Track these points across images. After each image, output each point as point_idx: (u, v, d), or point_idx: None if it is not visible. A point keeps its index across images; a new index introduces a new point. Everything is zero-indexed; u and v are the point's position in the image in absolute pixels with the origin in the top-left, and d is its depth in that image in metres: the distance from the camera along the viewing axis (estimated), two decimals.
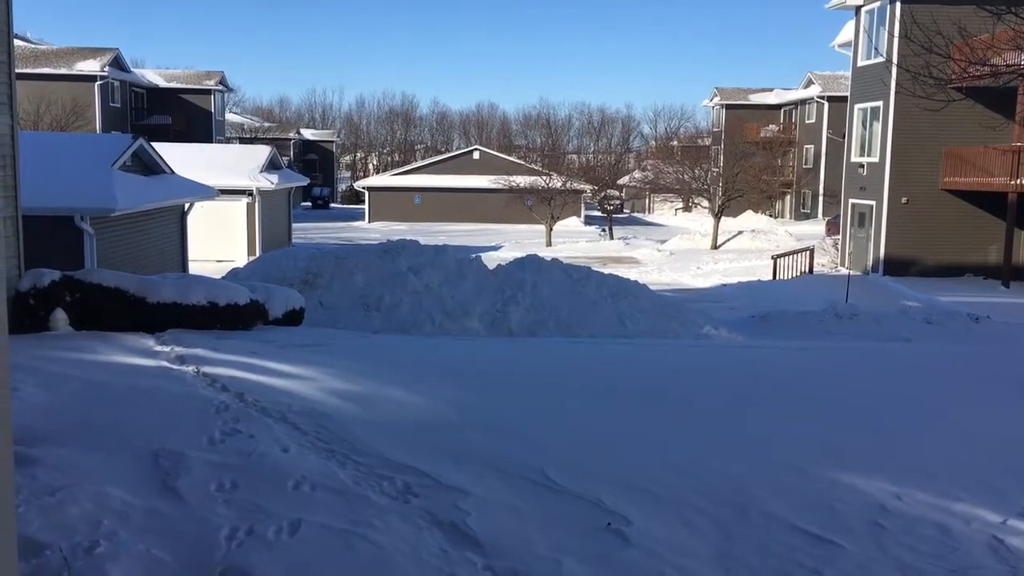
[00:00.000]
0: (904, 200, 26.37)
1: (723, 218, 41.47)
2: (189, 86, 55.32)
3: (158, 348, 8.62)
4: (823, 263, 29.86)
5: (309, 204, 65.27)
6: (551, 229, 41.84)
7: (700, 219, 51.25)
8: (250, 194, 31.45)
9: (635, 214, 66.20)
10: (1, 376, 1.99)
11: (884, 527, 4.67)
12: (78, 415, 5.98)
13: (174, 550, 3.94)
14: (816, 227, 45.27)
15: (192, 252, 20.66)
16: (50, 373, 7.09)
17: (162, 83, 55.15)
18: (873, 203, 27.48)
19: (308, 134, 78.69)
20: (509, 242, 40.76)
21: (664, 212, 63.64)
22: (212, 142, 51.62)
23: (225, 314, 10.18)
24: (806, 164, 55.58)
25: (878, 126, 27.26)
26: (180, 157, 24.37)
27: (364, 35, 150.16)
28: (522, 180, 45.04)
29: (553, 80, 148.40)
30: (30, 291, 9.42)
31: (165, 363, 7.88)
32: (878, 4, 27.08)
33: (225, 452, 5.29)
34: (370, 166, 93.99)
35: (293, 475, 4.94)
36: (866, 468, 5.56)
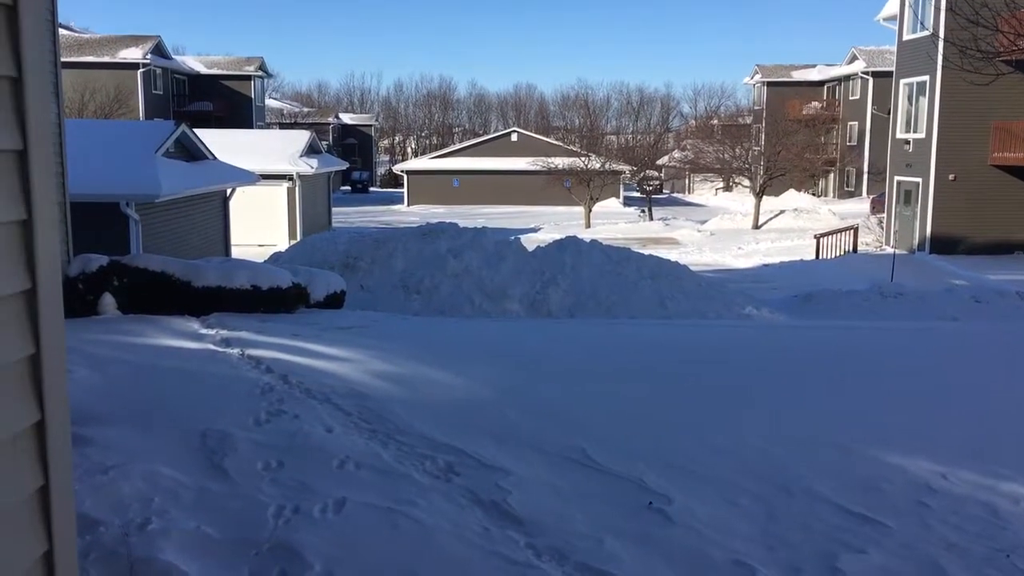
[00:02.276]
0: (951, 177, 25.84)
1: (765, 197, 40.97)
2: (229, 72, 55.85)
3: (204, 331, 8.77)
4: (868, 242, 29.40)
5: (348, 188, 65.69)
6: (590, 210, 41.70)
7: (741, 199, 50.70)
8: (290, 179, 31.74)
9: (675, 194, 65.70)
10: (58, 358, 2.05)
11: (929, 506, 4.62)
12: (128, 396, 6.12)
13: (223, 527, 4.02)
14: (860, 205, 44.56)
15: (234, 236, 20.94)
16: (100, 356, 7.25)
17: (203, 70, 55.75)
18: (919, 180, 26.98)
19: (347, 118, 79.14)
20: (548, 224, 40.71)
21: (704, 192, 63.03)
22: (252, 128, 52.15)
23: (268, 297, 10.31)
24: (850, 141, 54.66)
25: (924, 101, 26.71)
26: (221, 143, 24.67)
27: (402, 19, 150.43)
28: (560, 162, 44.89)
29: (591, 60, 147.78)
30: (79, 276, 9.63)
31: (211, 346, 8.02)
32: None
33: (271, 432, 5.38)
34: (408, 149, 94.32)
35: (337, 455, 5.01)
36: (911, 447, 5.49)
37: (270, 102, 70.05)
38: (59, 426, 2.01)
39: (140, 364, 7.22)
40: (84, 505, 4.11)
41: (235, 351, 7.76)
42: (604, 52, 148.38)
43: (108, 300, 9.68)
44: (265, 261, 14.41)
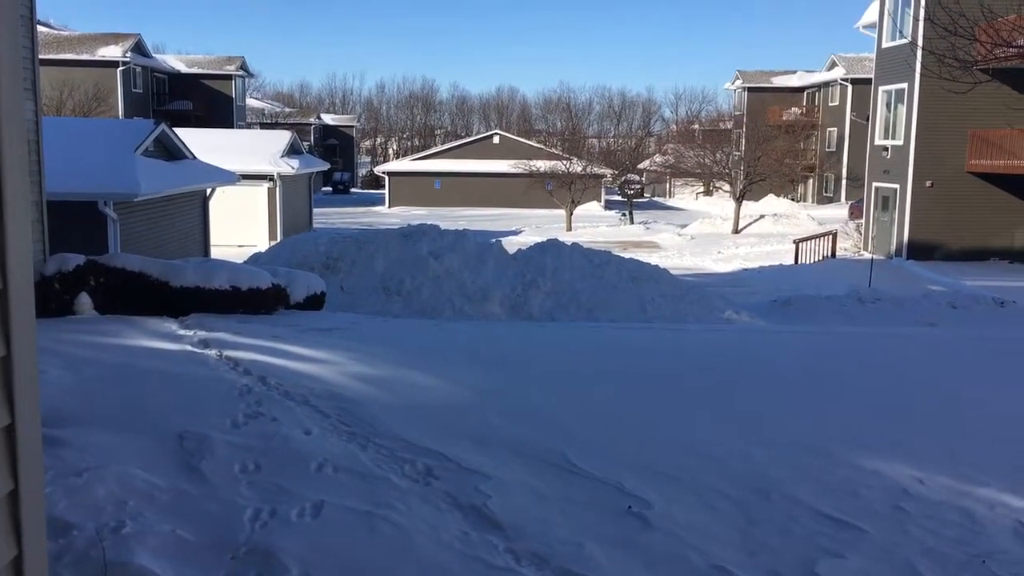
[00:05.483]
0: (929, 183, 26.08)
1: (745, 202, 41.20)
2: (210, 71, 55.52)
3: (181, 332, 8.69)
4: (846, 247, 29.62)
5: (330, 189, 65.48)
6: (571, 214, 41.76)
7: (721, 203, 50.95)
8: (271, 179, 31.57)
9: (656, 198, 65.93)
10: (29, 360, 2.01)
11: (907, 511, 4.64)
12: (103, 397, 6.05)
13: (199, 530, 3.98)
14: (839, 211, 44.90)
15: (214, 237, 20.79)
16: (75, 356, 7.17)
17: (183, 68, 55.38)
18: (897, 186, 27.21)
19: (328, 119, 78.87)
20: (529, 227, 40.73)
21: (685, 196, 63.29)
22: (233, 127, 51.86)
23: (247, 298, 10.24)
24: (829, 147, 55.09)
25: (903, 108, 26.94)
26: (201, 142, 24.48)
27: (384, 20, 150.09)
28: (542, 164, 44.98)
29: (573, 63, 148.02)
30: (55, 275, 9.52)
31: (188, 347, 7.95)
32: None
33: (248, 434, 5.33)
34: (390, 151, 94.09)
35: (316, 457, 4.97)
36: (889, 452, 5.52)
37: (251, 102, 69.65)
38: (30, 430, 1.97)
39: (116, 365, 7.14)
40: (58, 508, 4.05)
41: (213, 352, 7.69)
42: (586, 56, 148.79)
43: (85, 300, 9.57)
44: (245, 262, 14.32)
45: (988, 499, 4.86)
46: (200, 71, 55.52)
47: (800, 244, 28.09)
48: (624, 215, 44.98)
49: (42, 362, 6.42)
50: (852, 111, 51.18)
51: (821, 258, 27.78)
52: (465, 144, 57.59)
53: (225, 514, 4.17)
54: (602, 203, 51.88)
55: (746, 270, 26.40)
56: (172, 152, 18.27)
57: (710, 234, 37.68)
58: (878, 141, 28.95)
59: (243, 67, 56.89)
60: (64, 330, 8.33)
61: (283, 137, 34.22)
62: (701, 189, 59.79)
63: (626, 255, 18.33)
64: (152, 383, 6.58)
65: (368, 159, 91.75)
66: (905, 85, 26.41)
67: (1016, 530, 4.49)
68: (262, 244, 28.08)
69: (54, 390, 6.02)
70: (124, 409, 5.76)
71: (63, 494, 4.24)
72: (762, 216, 41.56)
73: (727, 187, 42.87)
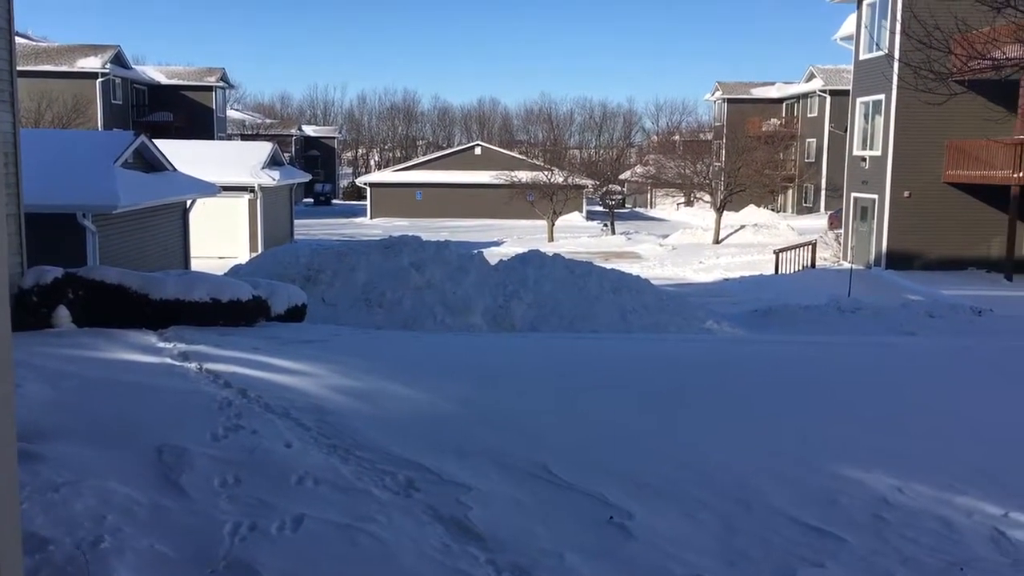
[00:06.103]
0: (906, 194, 26.32)
1: (725, 212, 41.46)
2: (190, 83, 55.34)
3: (161, 345, 8.64)
4: (825, 257, 29.84)
5: (311, 200, 65.35)
6: (553, 224, 41.86)
7: (702, 214, 51.22)
8: (252, 191, 31.47)
9: (637, 209, 66.22)
10: (4, 373, 2.01)
11: (886, 520, 4.67)
12: (81, 411, 6.00)
13: (178, 545, 3.95)
14: (818, 221, 45.25)
15: (194, 249, 20.69)
16: (53, 370, 7.11)
17: (163, 80, 55.17)
18: (875, 197, 27.44)
19: (310, 130, 78.78)
20: (511, 238, 40.79)
21: (666, 207, 63.62)
22: (214, 139, 51.69)
23: (228, 311, 10.19)
24: (808, 158, 55.56)
25: (880, 120, 27.21)
26: (182, 154, 24.38)
27: (366, 31, 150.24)
28: (524, 175, 45.07)
29: (554, 75, 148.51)
30: (33, 288, 9.44)
31: (168, 360, 7.90)
32: None
33: (228, 448, 5.31)
34: (372, 162, 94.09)
35: (296, 470, 4.95)
36: (868, 461, 5.56)
37: (232, 113, 69.44)
38: (6, 444, 1.96)
39: (94, 378, 7.08)
40: (35, 523, 4.01)
41: (193, 365, 7.65)
42: (567, 67, 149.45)
43: (63, 313, 9.49)
44: (225, 274, 14.25)
45: (966, 507, 4.90)
46: (180, 82, 55.33)
47: (780, 254, 28.28)
48: (605, 226, 45.13)
49: (19, 376, 6.37)
50: (831, 122, 51.67)
51: (801, 268, 27.96)
52: (447, 155, 57.65)
53: (204, 528, 4.15)
54: (584, 214, 52.04)
55: (727, 280, 26.53)
56: (152, 164, 18.19)
57: (691, 244, 37.87)
58: (856, 152, 29.21)
59: (224, 78, 56.74)
60: (42, 343, 8.26)
61: (264, 148, 34.13)
62: (682, 200, 60.09)
63: (607, 265, 18.38)
64: (131, 397, 6.54)
65: (350, 170, 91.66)
66: (882, 96, 26.67)
67: (993, 537, 4.53)
68: (243, 256, 27.97)
69: (31, 404, 5.96)
70: (102, 423, 5.71)
71: (40, 509, 4.20)
72: (742, 226, 41.81)
73: (707, 198, 43.11)
